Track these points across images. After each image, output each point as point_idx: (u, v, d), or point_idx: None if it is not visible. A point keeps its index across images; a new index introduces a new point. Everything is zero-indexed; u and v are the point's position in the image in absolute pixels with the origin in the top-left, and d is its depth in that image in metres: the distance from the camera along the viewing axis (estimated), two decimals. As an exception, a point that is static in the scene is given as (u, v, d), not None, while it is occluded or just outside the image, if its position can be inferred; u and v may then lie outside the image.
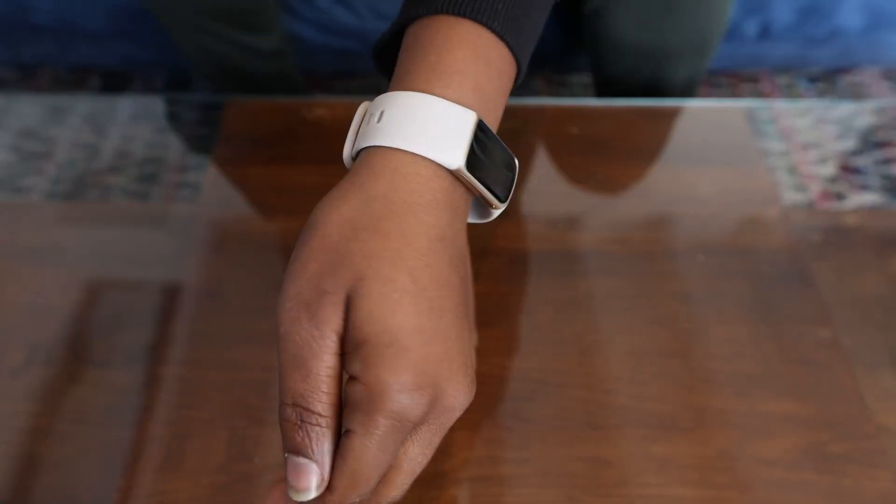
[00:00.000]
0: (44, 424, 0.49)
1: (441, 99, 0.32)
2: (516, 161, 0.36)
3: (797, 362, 0.51)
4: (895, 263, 0.57)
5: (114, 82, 1.25)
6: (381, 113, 0.32)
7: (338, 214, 0.30)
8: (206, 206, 0.61)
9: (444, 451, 0.46)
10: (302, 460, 0.29)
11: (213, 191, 0.62)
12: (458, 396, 0.30)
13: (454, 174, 0.32)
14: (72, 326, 0.53)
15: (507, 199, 0.35)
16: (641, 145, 0.65)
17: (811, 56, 1.13)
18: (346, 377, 0.29)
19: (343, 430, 0.29)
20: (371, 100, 0.34)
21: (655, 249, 0.57)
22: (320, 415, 0.28)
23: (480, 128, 0.33)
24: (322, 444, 0.29)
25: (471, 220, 0.36)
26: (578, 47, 0.95)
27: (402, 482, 0.31)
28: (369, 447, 0.28)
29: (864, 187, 0.66)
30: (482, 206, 0.36)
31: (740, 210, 0.59)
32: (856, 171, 0.67)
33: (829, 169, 0.67)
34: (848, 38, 1.08)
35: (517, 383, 0.50)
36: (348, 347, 0.29)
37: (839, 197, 0.66)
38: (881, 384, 0.50)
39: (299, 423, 0.28)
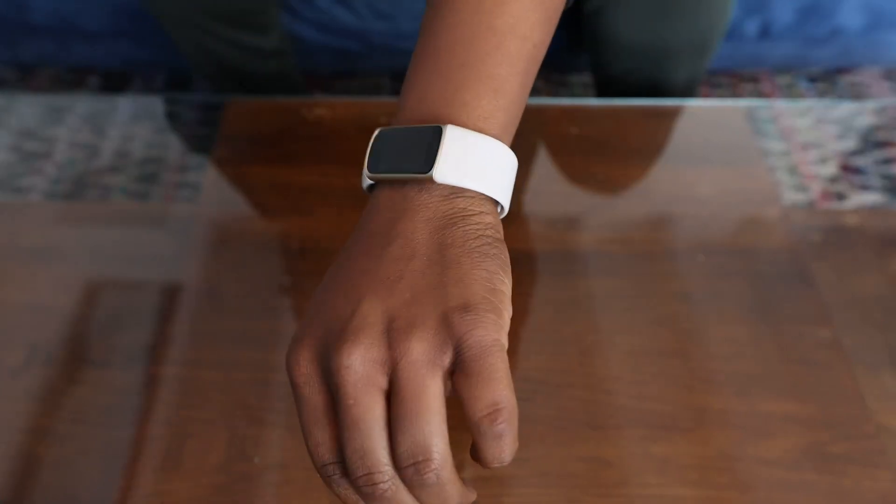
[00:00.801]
0: (44, 424, 0.49)
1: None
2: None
3: (797, 362, 0.51)
4: (895, 263, 0.57)
5: (114, 82, 1.25)
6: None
7: None
8: (206, 206, 0.61)
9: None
10: None
11: (213, 191, 0.62)
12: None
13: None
14: (72, 326, 0.53)
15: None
16: (641, 145, 0.65)
17: (811, 56, 1.13)
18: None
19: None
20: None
21: (655, 249, 0.57)
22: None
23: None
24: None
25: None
26: (578, 47, 0.95)
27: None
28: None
29: (864, 187, 0.66)
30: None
31: (740, 210, 0.59)
32: (856, 170, 0.67)
33: (830, 169, 0.67)
34: (848, 38, 1.08)
35: (517, 383, 0.48)
36: None
37: (839, 197, 0.66)
38: (881, 384, 0.50)
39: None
